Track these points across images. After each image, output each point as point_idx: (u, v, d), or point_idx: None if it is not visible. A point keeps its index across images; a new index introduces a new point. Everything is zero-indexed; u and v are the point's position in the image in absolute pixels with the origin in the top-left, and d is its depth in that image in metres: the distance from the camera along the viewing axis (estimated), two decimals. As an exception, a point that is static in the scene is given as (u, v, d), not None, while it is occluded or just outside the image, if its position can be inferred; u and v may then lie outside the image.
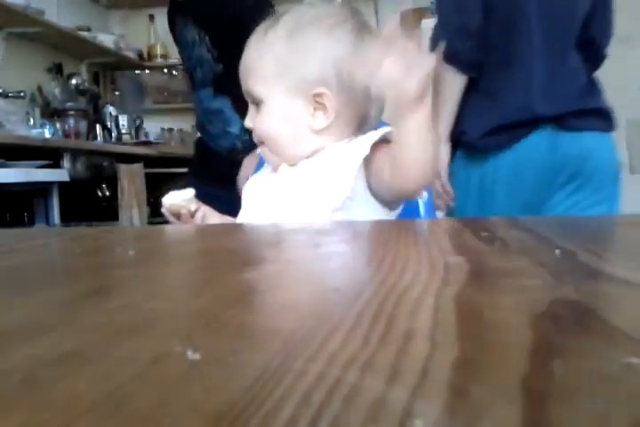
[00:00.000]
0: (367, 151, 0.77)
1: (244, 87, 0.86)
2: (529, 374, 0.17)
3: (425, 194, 0.82)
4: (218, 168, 1.79)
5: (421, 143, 0.72)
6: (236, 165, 1.74)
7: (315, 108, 0.83)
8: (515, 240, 0.50)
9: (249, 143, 1.72)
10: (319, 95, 0.83)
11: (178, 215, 0.87)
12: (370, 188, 0.80)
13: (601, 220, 0.85)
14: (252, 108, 0.87)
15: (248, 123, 0.87)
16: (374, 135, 0.79)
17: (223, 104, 1.74)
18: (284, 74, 0.83)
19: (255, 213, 0.87)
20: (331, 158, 0.82)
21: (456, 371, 0.17)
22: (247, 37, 1.80)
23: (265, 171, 0.93)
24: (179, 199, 0.87)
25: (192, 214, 0.87)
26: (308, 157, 0.84)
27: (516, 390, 0.16)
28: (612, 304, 0.26)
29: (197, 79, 1.79)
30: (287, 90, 0.83)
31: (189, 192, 0.88)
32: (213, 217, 0.90)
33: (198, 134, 1.99)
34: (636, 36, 3.59)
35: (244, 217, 0.89)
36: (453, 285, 0.30)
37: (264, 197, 0.87)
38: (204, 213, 0.88)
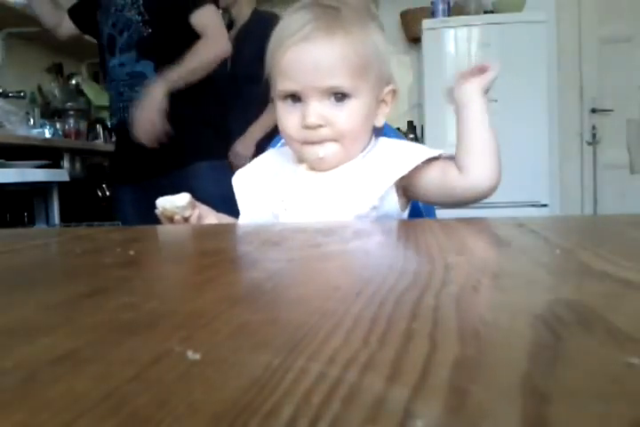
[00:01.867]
0: (407, 171, 0.79)
1: (322, 81, 0.79)
2: (529, 374, 0.17)
3: None
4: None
5: (483, 137, 0.79)
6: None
7: (379, 106, 0.85)
8: (515, 240, 0.50)
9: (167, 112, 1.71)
10: (390, 93, 0.85)
11: (171, 219, 0.84)
12: (405, 196, 0.83)
13: (601, 220, 0.85)
14: (324, 104, 0.80)
15: (316, 119, 0.80)
16: (417, 157, 0.81)
17: (145, 68, 1.74)
18: (371, 70, 0.82)
19: (266, 212, 0.85)
20: (364, 166, 0.82)
21: (456, 371, 0.17)
22: (181, 4, 1.71)
23: (264, 167, 0.91)
24: (172, 206, 0.83)
25: (186, 219, 0.83)
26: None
27: (516, 390, 0.16)
28: (612, 304, 0.26)
29: (119, 43, 1.77)
30: (372, 86, 0.82)
31: (184, 198, 0.84)
32: (210, 218, 0.87)
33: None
34: (636, 36, 3.58)
35: (250, 216, 0.87)
36: (453, 285, 0.30)
37: (281, 198, 0.85)
38: (198, 217, 0.85)
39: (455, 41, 3.38)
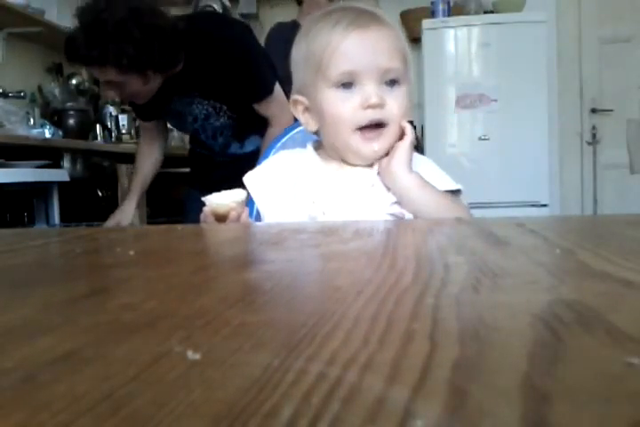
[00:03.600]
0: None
1: (382, 62, 0.83)
2: (529, 374, 0.17)
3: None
4: (224, 173, 1.76)
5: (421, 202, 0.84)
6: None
7: None
8: (515, 240, 0.50)
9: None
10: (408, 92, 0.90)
11: (222, 217, 0.80)
12: None
13: (601, 220, 0.85)
14: (380, 87, 0.83)
15: (378, 99, 0.82)
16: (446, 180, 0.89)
17: (255, 144, 1.70)
18: (409, 64, 0.87)
19: (299, 214, 0.86)
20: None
21: (456, 371, 0.17)
22: (264, 92, 1.64)
23: (281, 168, 0.92)
24: (230, 200, 0.79)
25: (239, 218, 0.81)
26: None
27: (515, 390, 0.16)
28: (612, 304, 0.26)
29: (215, 146, 1.73)
30: (409, 80, 0.87)
31: (241, 193, 0.81)
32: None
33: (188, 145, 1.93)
34: (636, 36, 3.58)
35: (277, 218, 0.87)
36: (453, 285, 0.30)
37: (311, 199, 0.86)
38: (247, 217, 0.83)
39: (455, 41, 3.37)
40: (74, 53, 1.43)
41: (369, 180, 0.86)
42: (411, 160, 0.85)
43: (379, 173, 0.86)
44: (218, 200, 0.80)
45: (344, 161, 0.89)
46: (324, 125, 0.87)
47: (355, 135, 0.84)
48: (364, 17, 0.84)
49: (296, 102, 0.90)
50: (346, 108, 0.83)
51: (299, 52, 0.88)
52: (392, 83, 0.84)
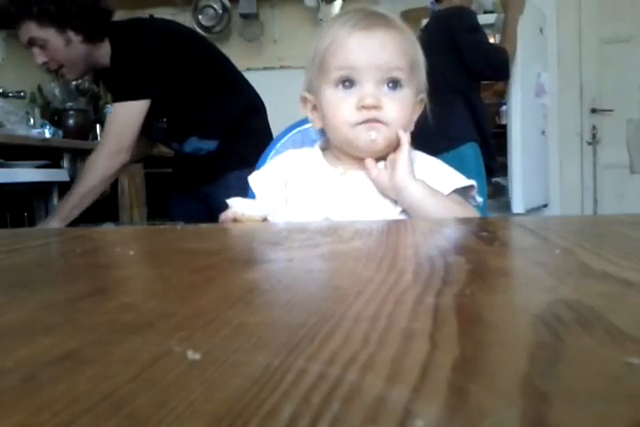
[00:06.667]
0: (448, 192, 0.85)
1: (384, 63, 0.82)
2: (529, 374, 0.17)
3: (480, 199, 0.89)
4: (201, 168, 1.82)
5: (428, 210, 0.81)
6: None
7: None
8: (515, 240, 0.50)
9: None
10: (420, 101, 0.89)
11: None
12: None
13: (601, 220, 0.85)
14: (379, 89, 0.83)
15: (373, 101, 0.81)
16: (455, 180, 0.87)
17: (193, 146, 1.77)
18: (418, 69, 0.86)
19: (318, 210, 0.86)
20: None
21: (456, 371, 0.17)
22: (118, 95, 1.71)
23: (287, 169, 0.92)
24: (257, 211, 0.77)
25: None
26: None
27: (515, 390, 0.16)
28: (612, 304, 0.26)
29: (161, 140, 1.88)
30: (416, 86, 0.86)
31: (268, 208, 0.79)
32: None
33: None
34: (636, 36, 3.58)
35: (302, 214, 0.87)
36: (453, 285, 0.30)
37: (317, 205, 0.86)
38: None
39: (455, 41, 3.37)
40: None
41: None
42: (413, 169, 0.83)
43: (379, 189, 0.86)
44: (245, 210, 0.77)
45: (350, 163, 0.89)
46: (326, 123, 0.88)
47: (353, 128, 0.83)
48: (372, 18, 0.84)
49: (305, 100, 0.91)
50: (342, 108, 0.83)
51: (311, 52, 0.88)
52: (394, 85, 0.83)
